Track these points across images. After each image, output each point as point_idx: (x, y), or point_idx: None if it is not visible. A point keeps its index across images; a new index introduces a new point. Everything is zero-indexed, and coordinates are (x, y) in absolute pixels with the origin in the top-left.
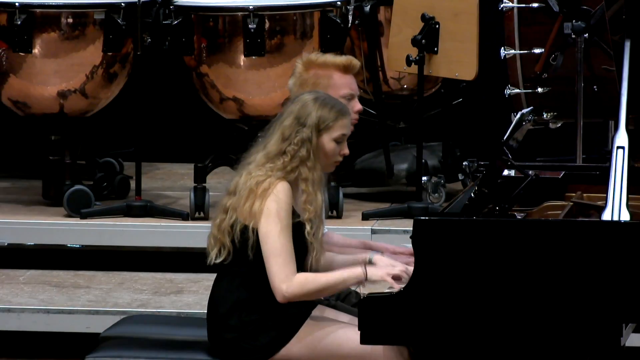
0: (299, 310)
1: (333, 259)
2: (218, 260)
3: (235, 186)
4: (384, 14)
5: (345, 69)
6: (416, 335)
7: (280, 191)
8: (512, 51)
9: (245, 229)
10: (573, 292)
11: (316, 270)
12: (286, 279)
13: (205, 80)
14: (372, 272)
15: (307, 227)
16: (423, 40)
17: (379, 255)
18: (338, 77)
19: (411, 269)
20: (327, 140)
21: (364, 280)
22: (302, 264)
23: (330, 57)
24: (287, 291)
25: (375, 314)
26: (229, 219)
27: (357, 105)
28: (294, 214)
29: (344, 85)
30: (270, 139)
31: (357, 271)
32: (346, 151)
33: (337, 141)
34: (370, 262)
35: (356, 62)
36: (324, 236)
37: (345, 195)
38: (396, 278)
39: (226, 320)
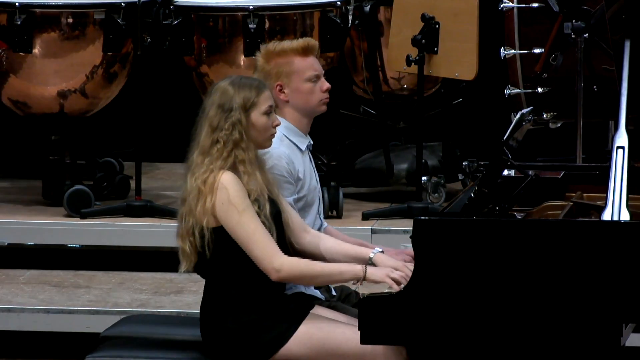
0: (297, 309)
1: (326, 243)
2: (184, 269)
3: (185, 193)
4: (384, 14)
5: (304, 52)
6: (416, 336)
7: (226, 181)
8: (512, 51)
9: (202, 230)
10: (573, 292)
11: (285, 249)
12: (274, 257)
13: (205, 80)
14: (372, 271)
15: (255, 207)
16: (423, 40)
17: (380, 254)
18: (299, 61)
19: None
20: (257, 116)
21: (362, 278)
22: None
23: (287, 44)
24: (280, 269)
25: (375, 314)
26: (187, 225)
27: (325, 84)
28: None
29: (306, 68)
30: (200, 135)
31: (356, 267)
32: (277, 122)
33: (267, 113)
34: (370, 261)
35: (314, 43)
36: (324, 230)
37: (345, 195)
38: (395, 282)
39: (220, 324)
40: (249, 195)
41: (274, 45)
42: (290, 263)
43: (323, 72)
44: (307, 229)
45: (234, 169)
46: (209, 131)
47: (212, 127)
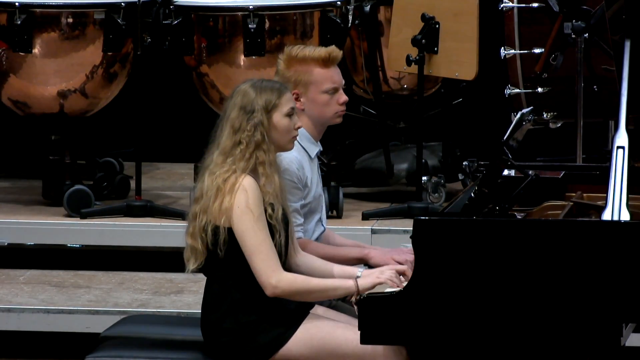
0: (297, 309)
1: (313, 264)
2: (194, 267)
3: (200, 191)
4: (384, 14)
5: (325, 62)
6: (416, 335)
7: (247, 185)
8: (512, 51)
9: (216, 229)
10: (573, 292)
11: (286, 256)
12: (273, 273)
13: (205, 80)
14: (363, 282)
15: (269, 210)
16: (423, 40)
17: (367, 270)
18: (318, 72)
19: (399, 267)
20: (279, 118)
21: (356, 293)
22: None
23: (309, 51)
24: (277, 285)
25: (375, 314)
26: (200, 223)
27: (342, 97)
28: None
29: (325, 80)
30: (221, 136)
31: (349, 283)
32: (299, 124)
33: (289, 115)
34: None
35: (337, 53)
36: (323, 235)
37: (345, 195)
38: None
39: (220, 324)
40: (264, 198)
41: (297, 50)
42: (287, 280)
43: (343, 83)
44: (298, 249)
45: (253, 171)
46: (231, 132)
47: (234, 129)
